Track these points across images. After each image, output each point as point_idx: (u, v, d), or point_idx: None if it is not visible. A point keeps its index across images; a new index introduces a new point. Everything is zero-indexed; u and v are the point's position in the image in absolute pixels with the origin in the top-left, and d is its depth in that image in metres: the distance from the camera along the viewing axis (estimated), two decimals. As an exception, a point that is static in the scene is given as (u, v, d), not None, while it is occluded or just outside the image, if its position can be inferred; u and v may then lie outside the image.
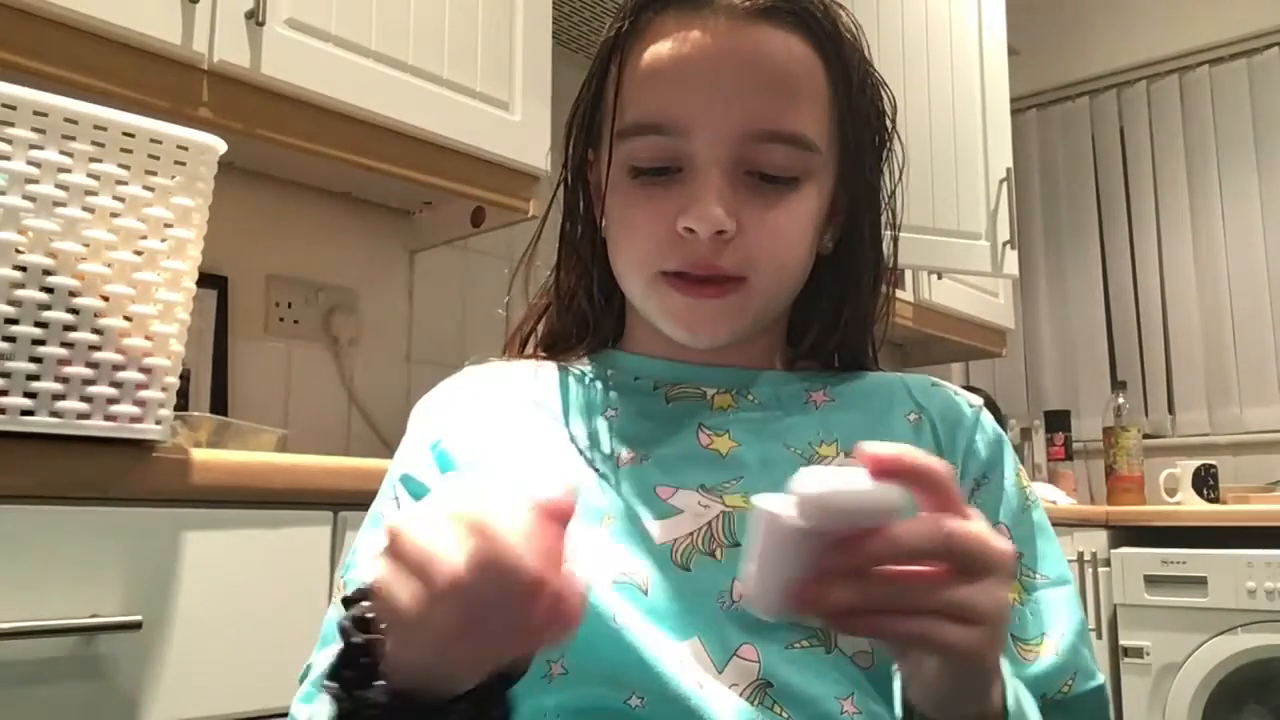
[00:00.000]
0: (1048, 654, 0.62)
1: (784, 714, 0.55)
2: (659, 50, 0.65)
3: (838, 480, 0.41)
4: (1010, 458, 0.70)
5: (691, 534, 0.61)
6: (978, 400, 0.72)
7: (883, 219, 0.73)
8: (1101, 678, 0.65)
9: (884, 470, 0.42)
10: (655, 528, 0.61)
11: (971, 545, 0.43)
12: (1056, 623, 0.64)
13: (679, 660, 0.56)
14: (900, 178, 0.74)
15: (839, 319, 0.72)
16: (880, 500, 0.42)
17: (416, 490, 0.66)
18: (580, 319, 0.75)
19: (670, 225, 0.63)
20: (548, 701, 0.56)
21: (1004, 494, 0.67)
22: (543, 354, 0.77)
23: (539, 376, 0.72)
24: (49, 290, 0.77)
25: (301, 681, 0.64)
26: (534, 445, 0.67)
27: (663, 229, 0.64)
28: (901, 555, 0.42)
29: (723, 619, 0.58)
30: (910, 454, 0.43)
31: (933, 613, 0.43)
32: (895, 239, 0.74)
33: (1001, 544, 0.44)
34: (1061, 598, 0.66)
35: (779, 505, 0.42)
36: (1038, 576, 0.66)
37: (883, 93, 0.72)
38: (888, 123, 0.72)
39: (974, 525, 0.44)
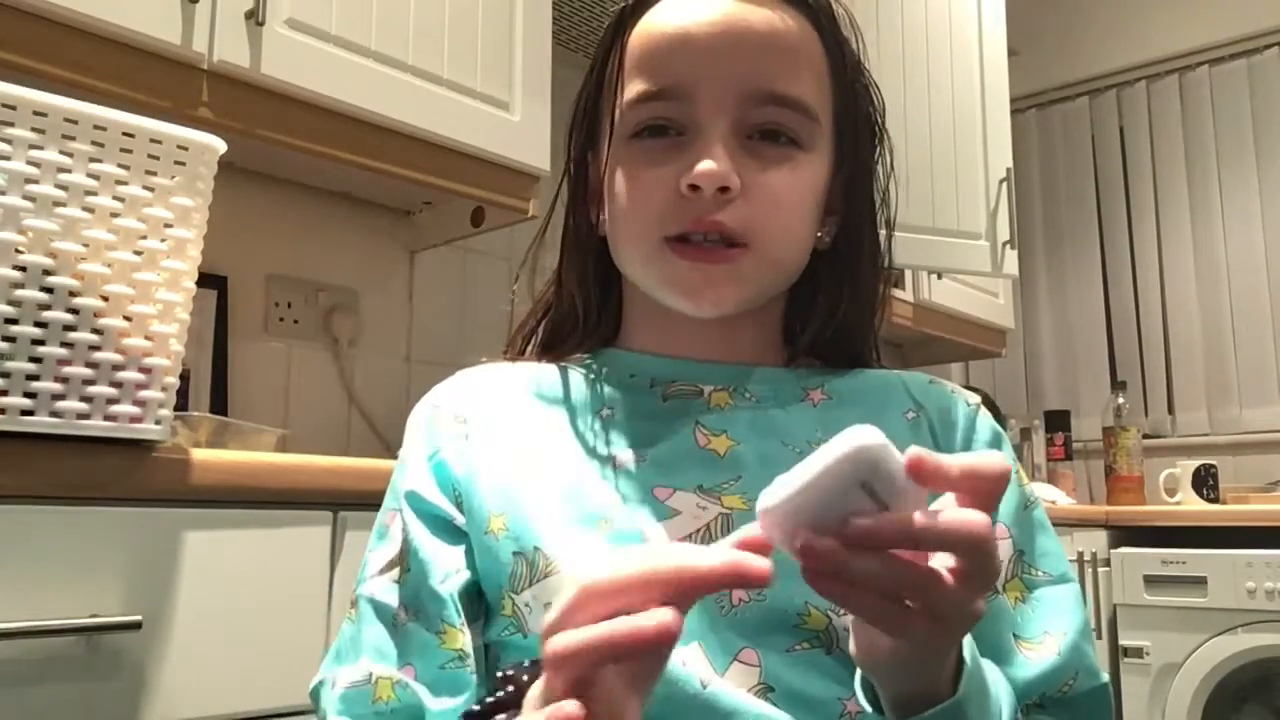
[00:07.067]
0: (1049, 653, 0.62)
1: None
2: (658, 24, 0.68)
3: (798, 481, 0.42)
4: (1009, 456, 0.69)
5: (690, 536, 0.60)
6: (975, 398, 0.72)
7: (879, 217, 0.74)
8: (1105, 677, 0.64)
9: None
10: (653, 530, 0.60)
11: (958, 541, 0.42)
12: (1058, 621, 0.64)
13: (680, 661, 0.55)
14: (892, 178, 0.75)
15: (835, 315, 0.72)
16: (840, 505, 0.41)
17: (422, 508, 0.65)
18: (579, 316, 0.74)
19: (673, 188, 0.64)
20: None
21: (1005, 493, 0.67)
22: (542, 354, 0.76)
23: (535, 378, 0.72)
24: (49, 290, 0.77)
25: (315, 694, 0.63)
26: (531, 450, 0.66)
27: (665, 192, 0.64)
28: (877, 545, 0.42)
29: (723, 624, 0.57)
30: (932, 460, 0.42)
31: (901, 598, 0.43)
32: (890, 237, 0.75)
33: (990, 548, 0.43)
34: (1063, 596, 0.65)
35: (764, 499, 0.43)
36: (1039, 574, 0.65)
37: (873, 94, 0.73)
38: (879, 119, 0.73)
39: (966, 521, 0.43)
